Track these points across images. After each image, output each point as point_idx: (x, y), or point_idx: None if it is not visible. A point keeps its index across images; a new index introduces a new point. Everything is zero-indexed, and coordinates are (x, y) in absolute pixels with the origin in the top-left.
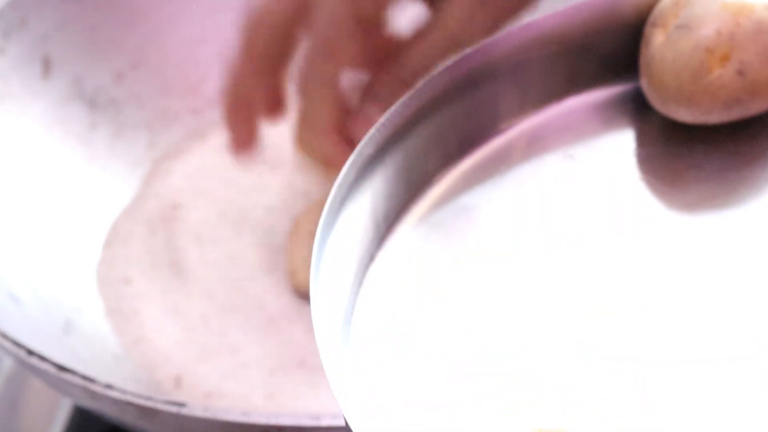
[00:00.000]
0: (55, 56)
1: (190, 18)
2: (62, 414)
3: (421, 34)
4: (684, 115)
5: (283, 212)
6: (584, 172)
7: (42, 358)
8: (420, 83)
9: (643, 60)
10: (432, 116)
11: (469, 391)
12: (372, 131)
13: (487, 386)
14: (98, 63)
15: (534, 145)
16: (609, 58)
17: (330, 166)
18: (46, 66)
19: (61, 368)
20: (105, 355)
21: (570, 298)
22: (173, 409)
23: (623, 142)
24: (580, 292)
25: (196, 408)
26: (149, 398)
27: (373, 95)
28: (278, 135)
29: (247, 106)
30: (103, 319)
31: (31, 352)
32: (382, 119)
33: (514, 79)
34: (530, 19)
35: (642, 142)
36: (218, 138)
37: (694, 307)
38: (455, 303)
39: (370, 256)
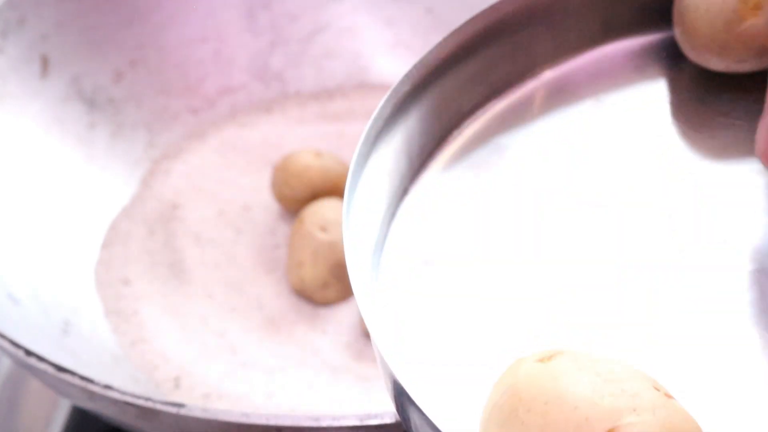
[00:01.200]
0: (54, 56)
1: (190, 17)
2: (61, 414)
3: None
4: (716, 63)
5: (282, 211)
6: (615, 117)
7: (40, 358)
8: (458, 25)
9: (676, 9)
10: (468, 58)
11: (491, 324)
12: (410, 69)
13: (507, 319)
14: (97, 62)
15: (567, 90)
16: (644, 6)
17: None
18: (45, 65)
19: (60, 369)
20: (104, 356)
21: (597, 239)
22: (172, 409)
23: (655, 89)
24: (606, 233)
25: (195, 409)
26: (148, 399)
27: None
28: (277, 134)
29: None
30: (102, 320)
31: (29, 353)
32: (420, 59)
33: (549, 24)
34: None
35: (673, 89)
36: (217, 138)
37: (715, 252)
38: (485, 239)
39: (404, 190)
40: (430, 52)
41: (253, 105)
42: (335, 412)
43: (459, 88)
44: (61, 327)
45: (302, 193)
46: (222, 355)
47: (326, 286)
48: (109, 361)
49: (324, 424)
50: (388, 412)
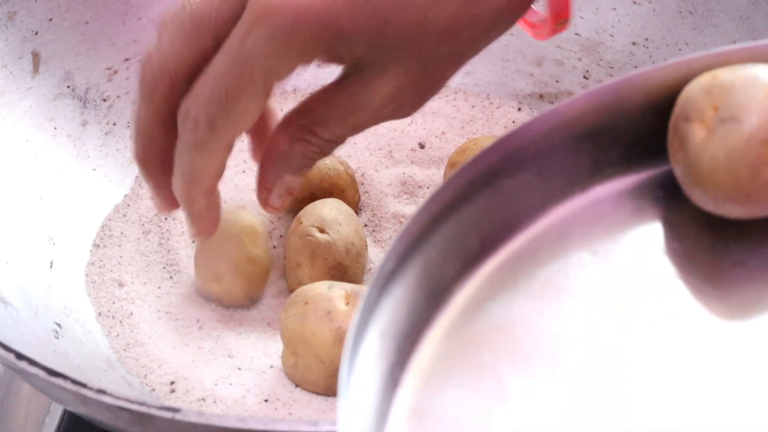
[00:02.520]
0: (45, 52)
1: None
2: (53, 420)
3: (337, 99)
4: (740, 212)
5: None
6: (614, 271)
7: (31, 362)
8: (441, 184)
9: (683, 160)
10: (451, 218)
11: None
12: (393, 243)
13: None
14: (90, 59)
15: (559, 242)
16: (633, 142)
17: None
18: (36, 62)
19: (52, 373)
20: (97, 360)
21: (603, 419)
22: (167, 414)
23: (655, 235)
24: (611, 412)
25: (191, 414)
26: (142, 404)
27: (285, 161)
28: None
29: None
30: (94, 323)
31: (20, 357)
32: (403, 228)
33: (536, 170)
34: (551, 106)
35: (675, 234)
36: None
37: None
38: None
39: (395, 381)
40: (413, 219)
41: None
42: (334, 417)
43: (444, 252)
44: (53, 330)
45: (300, 193)
46: (218, 358)
47: None
48: (102, 365)
49: (322, 429)
50: None
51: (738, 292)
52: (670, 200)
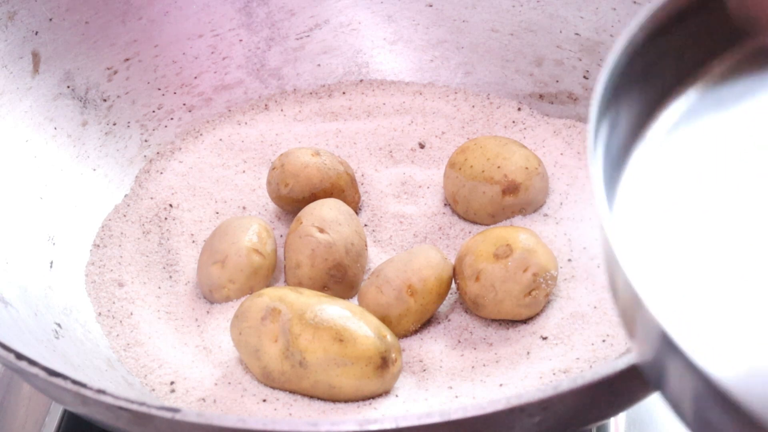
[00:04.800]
0: (45, 52)
1: (185, 12)
2: (53, 420)
3: None
4: None
5: (279, 211)
6: None
7: (31, 362)
8: None
9: None
10: (702, 12)
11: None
12: (642, 19)
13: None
14: (89, 59)
15: None
16: None
17: None
18: (36, 62)
19: (52, 373)
20: (97, 360)
21: None
22: (167, 414)
23: None
24: None
25: (191, 414)
26: (142, 404)
27: None
28: (274, 132)
29: None
30: (94, 323)
31: (20, 356)
32: (654, 5)
33: None
34: None
35: None
36: (213, 136)
37: None
38: (715, 180)
39: (634, 138)
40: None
41: (249, 102)
42: (333, 417)
43: (696, 36)
44: (53, 330)
45: (300, 193)
46: (217, 358)
47: (324, 288)
48: (102, 365)
49: (322, 429)
50: (387, 417)
51: None
52: None
